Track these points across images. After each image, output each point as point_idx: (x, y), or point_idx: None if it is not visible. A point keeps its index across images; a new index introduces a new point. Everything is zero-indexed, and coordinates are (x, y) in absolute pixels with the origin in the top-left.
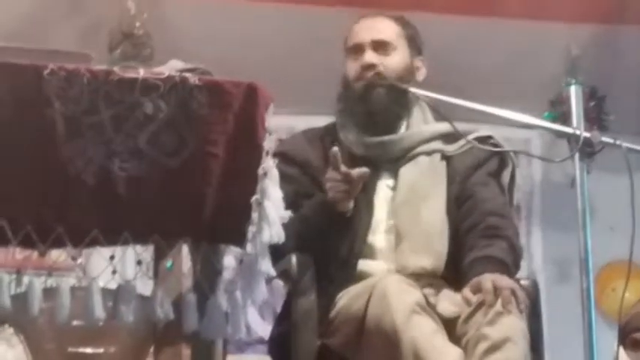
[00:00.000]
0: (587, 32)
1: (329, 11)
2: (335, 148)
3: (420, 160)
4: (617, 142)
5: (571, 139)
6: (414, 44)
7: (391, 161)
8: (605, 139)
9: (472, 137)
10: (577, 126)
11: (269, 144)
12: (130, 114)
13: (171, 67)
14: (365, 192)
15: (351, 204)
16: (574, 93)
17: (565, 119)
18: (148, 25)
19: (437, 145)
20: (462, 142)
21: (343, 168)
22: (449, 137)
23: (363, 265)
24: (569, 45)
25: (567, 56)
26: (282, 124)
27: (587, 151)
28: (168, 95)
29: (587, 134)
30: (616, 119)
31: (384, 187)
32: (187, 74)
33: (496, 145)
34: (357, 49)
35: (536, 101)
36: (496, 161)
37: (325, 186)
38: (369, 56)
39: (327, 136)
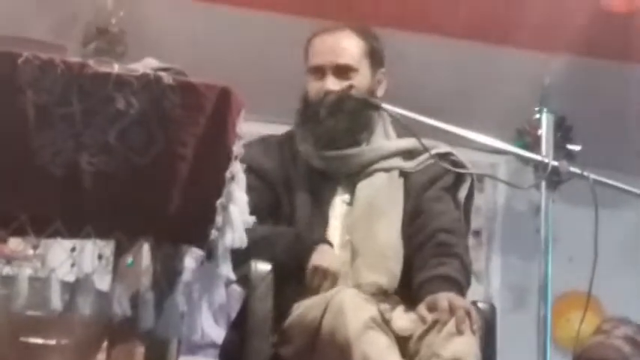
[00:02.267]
0: (559, 63)
1: (307, 21)
2: None
3: (378, 176)
4: (585, 173)
5: (539, 166)
6: (376, 58)
7: (349, 176)
8: (572, 169)
9: (432, 153)
10: (546, 154)
11: (238, 149)
12: (102, 108)
13: (145, 65)
14: (320, 206)
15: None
16: (545, 121)
17: (531, 149)
18: (124, 22)
19: (396, 161)
20: (421, 158)
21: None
22: (408, 154)
23: None
24: (543, 74)
25: (540, 85)
26: (251, 131)
27: (554, 180)
28: (141, 93)
29: (555, 163)
30: (581, 151)
31: (340, 202)
32: (162, 73)
33: (455, 161)
34: (318, 71)
35: (504, 128)
36: (452, 176)
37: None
38: (331, 83)
39: (285, 145)
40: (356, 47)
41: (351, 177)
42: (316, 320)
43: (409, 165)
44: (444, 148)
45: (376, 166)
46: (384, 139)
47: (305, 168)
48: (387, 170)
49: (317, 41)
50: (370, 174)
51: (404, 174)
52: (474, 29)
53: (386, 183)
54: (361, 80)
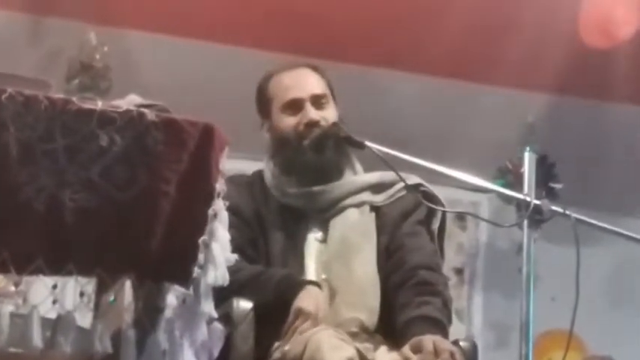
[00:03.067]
0: (541, 101)
1: (294, 60)
2: None
3: (349, 212)
4: (567, 212)
5: (521, 205)
6: (334, 94)
7: (320, 212)
8: (554, 207)
9: (401, 186)
10: (528, 192)
11: (221, 186)
12: (85, 145)
13: (129, 102)
14: (295, 244)
15: None
16: (527, 159)
17: (513, 187)
18: (108, 58)
19: (365, 196)
20: (390, 192)
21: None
22: (377, 188)
23: None
24: (525, 112)
25: (521, 123)
26: (237, 168)
27: (537, 218)
28: (125, 129)
29: (537, 202)
30: (562, 189)
31: (312, 239)
32: (145, 110)
33: (427, 192)
34: (294, 105)
35: (486, 166)
36: (424, 208)
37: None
38: (313, 113)
39: (255, 183)
40: (321, 80)
41: (323, 213)
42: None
43: (378, 199)
44: (414, 180)
45: (346, 202)
46: (352, 175)
47: (277, 207)
48: (357, 206)
49: (283, 78)
50: (341, 210)
51: (374, 208)
52: (456, 67)
53: (358, 219)
54: (333, 112)
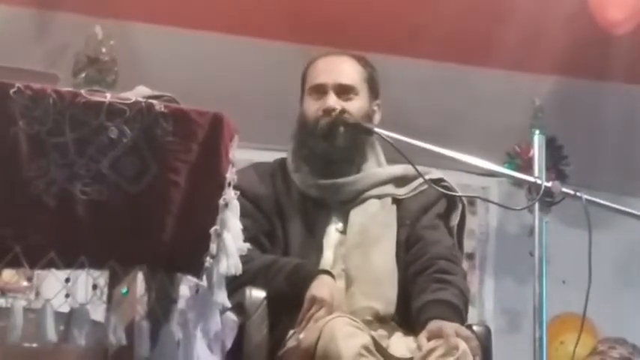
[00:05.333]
0: (547, 84)
1: (298, 48)
2: None
3: (371, 203)
4: (578, 194)
5: (532, 188)
6: (374, 88)
7: (342, 203)
8: (566, 189)
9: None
10: (539, 175)
11: (231, 175)
12: (95, 137)
13: (137, 93)
14: (314, 235)
15: None
16: (537, 142)
17: (522, 171)
18: (114, 51)
19: (389, 189)
20: (413, 185)
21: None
22: (400, 181)
23: None
24: (532, 95)
25: (528, 107)
26: (242, 158)
27: (547, 201)
28: (134, 121)
29: (548, 184)
30: (571, 171)
31: (333, 230)
32: (153, 101)
33: (448, 187)
34: (319, 90)
35: (494, 151)
36: (444, 203)
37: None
38: (332, 100)
39: (277, 172)
40: (357, 72)
41: (344, 204)
42: (310, 350)
43: (401, 192)
44: (436, 174)
45: (369, 193)
46: (377, 167)
47: (298, 196)
48: (379, 197)
49: (319, 63)
50: (363, 201)
51: (396, 201)
52: (460, 51)
53: (379, 210)
54: (361, 104)
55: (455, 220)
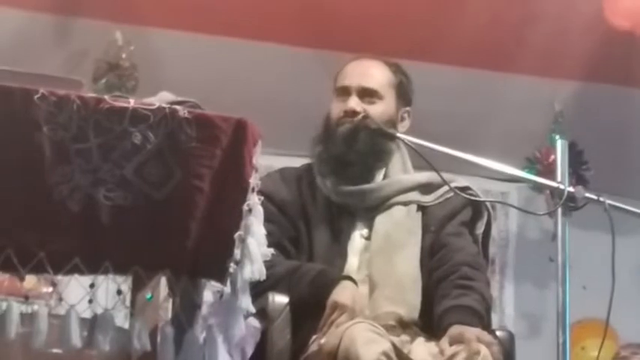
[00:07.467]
0: (567, 89)
1: (320, 54)
2: None
3: (396, 210)
4: (601, 199)
5: (554, 193)
6: (404, 94)
7: (367, 210)
8: (588, 194)
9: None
10: (561, 180)
11: (255, 180)
12: (119, 143)
13: (161, 99)
14: (339, 241)
15: None
16: (559, 147)
17: (542, 176)
18: (135, 57)
19: (414, 195)
20: (439, 192)
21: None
22: (426, 188)
23: None
24: (552, 101)
25: (549, 112)
26: (268, 164)
27: (570, 206)
28: (157, 126)
29: (571, 189)
30: (592, 176)
31: (358, 236)
32: (177, 107)
33: (474, 196)
34: (344, 92)
35: (514, 156)
36: (470, 211)
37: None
38: (354, 102)
39: (303, 178)
40: (384, 77)
41: (370, 211)
42: (332, 353)
43: (427, 199)
44: (462, 182)
45: (395, 199)
46: (402, 173)
47: (324, 202)
48: (405, 204)
49: (348, 67)
50: (389, 207)
51: (421, 207)
52: (481, 57)
53: (404, 216)
54: (385, 109)
55: (480, 229)
